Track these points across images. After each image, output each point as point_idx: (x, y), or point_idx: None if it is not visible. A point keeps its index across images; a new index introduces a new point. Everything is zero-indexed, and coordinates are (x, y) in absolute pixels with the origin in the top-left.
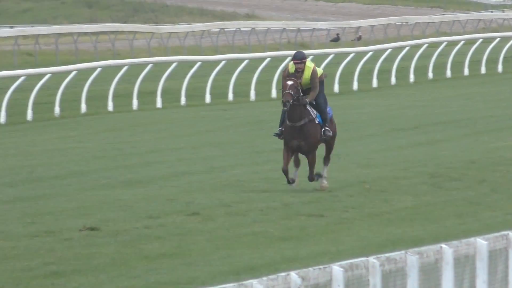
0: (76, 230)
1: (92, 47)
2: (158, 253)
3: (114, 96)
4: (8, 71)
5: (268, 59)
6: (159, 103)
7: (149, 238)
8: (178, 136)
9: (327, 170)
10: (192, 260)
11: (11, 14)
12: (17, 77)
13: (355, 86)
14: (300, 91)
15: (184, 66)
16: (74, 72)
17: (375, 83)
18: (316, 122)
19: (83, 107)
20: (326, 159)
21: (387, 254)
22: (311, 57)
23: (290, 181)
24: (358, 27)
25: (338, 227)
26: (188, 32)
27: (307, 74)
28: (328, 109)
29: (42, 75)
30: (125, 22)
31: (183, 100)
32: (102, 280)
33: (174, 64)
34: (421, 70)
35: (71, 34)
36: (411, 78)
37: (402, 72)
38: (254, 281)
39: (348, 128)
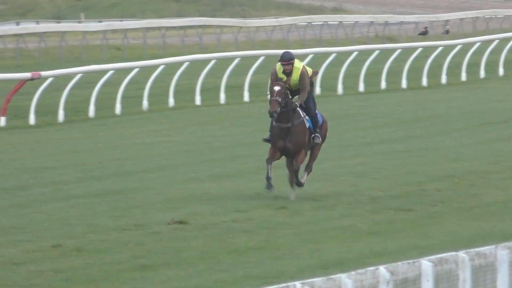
0: (164, 224)
1: (179, 41)
2: (246, 247)
3: (201, 90)
4: (97, 65)
5: (355, 53)
6: (246, 97)
7: (237, 231)
8: (265, 130)
9: (306, 178)
10: (280, 254)
11: (100, 9)
12: (106, 71)
13: (443, 79)
14: (289, 94)
15: (271, 60)
16: (162, 66)
17: (464, 76)
18: (306, 126)
19: (171, 101)
20: (308, 168)
21: (476, 249)
22: (398, 51)
23: (269, 182)
24: (447, 20)
25: (426, 222)
26: (275, 26)
27: (295, 76)
28: (317, 114)
29: (130, 69)
30: (212, 16)
31: None
32: (191, 274)
33: (261, 58)
34: (510, 63)
35: (159, 28)
36: (500, 71)
37: (491, 65)
38: (342, 275)
39: (436, 122)
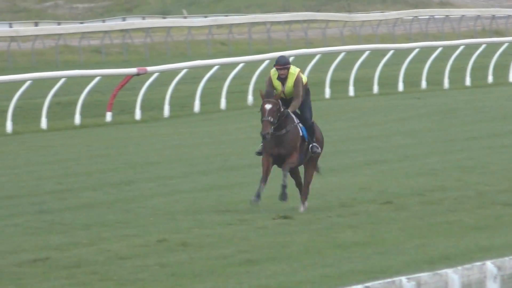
0: (269, 219)
1: (284, 36)
2: (351, 242)
3: None
4: (202, 60)
5: (462, 47)
6: (351, 92)
7: (342, 226)
8: (370, 124)
9: (306, 206)
10: (385, 249)
11: (205, 4)
12: (211, 66)
13: None
14: (281, 108)
15: (377, 54)
16: (267, 61)
17: None
18: (300, 133)
19: None
20: (304, 193)
21: None
22: (505, 45)
23: (257, 197)
24: None
25: None
26: (381, 20)
27: (290, 81)
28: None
29: (235, 64)
30: (317, 11)
31: (375, 89)
32: (296, 268)
33: (366, 53)
34: None
35: (264, 23)
36: None
37: None
38: (449, 271)
39: None
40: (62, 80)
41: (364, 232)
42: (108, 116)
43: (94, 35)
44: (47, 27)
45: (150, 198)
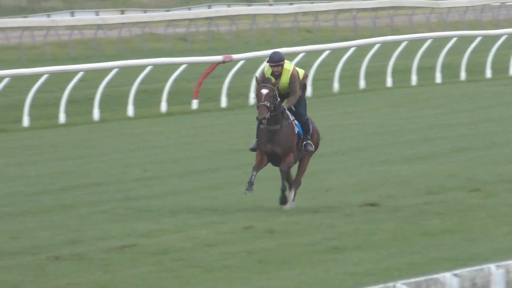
0: (356, 206)
1: (371, 23)
2: (439, 229)
3: (392, 72)
4: (287, 47)
5: None
6: (438, 79)
7: (429, 214)
8: (458, 111)
9: (294, 195)
10: (473, 237)
11: None
12: (296, 53)
13: None
14: (277, 96)
15: (464, 41)
16: (352, 49)
17: None
18: (295, 130)
19: (362, 83)
20: (296, 182)
21: None
22: None
23: (250, 186)
24: None
25: None
26: (468, 6)
27: (285, 78)
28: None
29: (321, 52)
30: None
31: (463, 76)
32: (383, 256)
33: (453, 39)
34: None
35: (350, 10)
36: None
37: None
38: None
39: None
40: (149, 68)
41: (452, 219)
42: (194, 104)
43: (179, 23)
44: (133, 15)
45: (236, 186)
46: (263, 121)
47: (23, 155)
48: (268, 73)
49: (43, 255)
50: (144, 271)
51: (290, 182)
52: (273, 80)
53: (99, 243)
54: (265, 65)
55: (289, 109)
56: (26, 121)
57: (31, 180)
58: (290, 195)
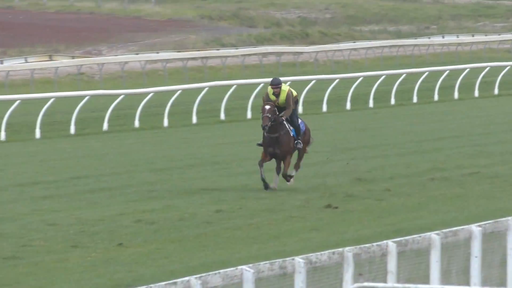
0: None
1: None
2: None
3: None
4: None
5: None
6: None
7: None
8: None
9: (295, 174)
10: None
11: None
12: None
13: None
14: (277, 111)
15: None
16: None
17: None
18: (291, 135)
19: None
20: (297, 166)
21: None
22: None
23: (265, 183)
24: None
25: None
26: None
27: (283, 97)
28: (300, 123)
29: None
30: None
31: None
32: None
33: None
34: None
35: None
36: None
37: None
38: None
39: None
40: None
41: None
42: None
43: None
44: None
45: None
46: (266, 127)
47: None
48: (270, 93)
49: None
50: None
51: (287, 176)
52: (274, 99)
53: None
54: (268, 88)
55: (286, 120)
56: None
57: None
58: (292, 172)
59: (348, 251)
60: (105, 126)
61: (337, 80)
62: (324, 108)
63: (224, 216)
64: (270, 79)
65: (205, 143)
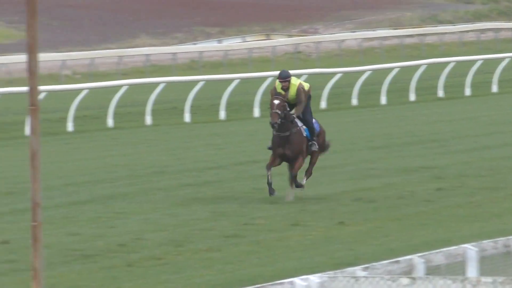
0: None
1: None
2: None
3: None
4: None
5: None
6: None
7: None
8: None
9: (306, 182)
10: None
11: None
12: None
13: None
14: (287, 107)
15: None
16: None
17: None
18: (304, 135)
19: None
20: (308, 172)
21: None
22: None
23: (270, 188)
24: None
25: None
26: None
27: (292, 91)
28: (315, 123)
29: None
30: None
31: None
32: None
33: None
34: None
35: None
36: None
37: None
38: None
39: None
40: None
41: None
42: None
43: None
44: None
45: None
46: (274, 125)
47: None
48: (278, 87)
49: None
50: None
51: (296, 182)
52: (283, 93)
53: None
54: (276, 82)
55: (298, 117)
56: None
57: None
58: (303, 181)
59: None
60: (323, 104)
61: None
62: None
63: (444, 194)
64: (486, 56)
65: (423, 121)
